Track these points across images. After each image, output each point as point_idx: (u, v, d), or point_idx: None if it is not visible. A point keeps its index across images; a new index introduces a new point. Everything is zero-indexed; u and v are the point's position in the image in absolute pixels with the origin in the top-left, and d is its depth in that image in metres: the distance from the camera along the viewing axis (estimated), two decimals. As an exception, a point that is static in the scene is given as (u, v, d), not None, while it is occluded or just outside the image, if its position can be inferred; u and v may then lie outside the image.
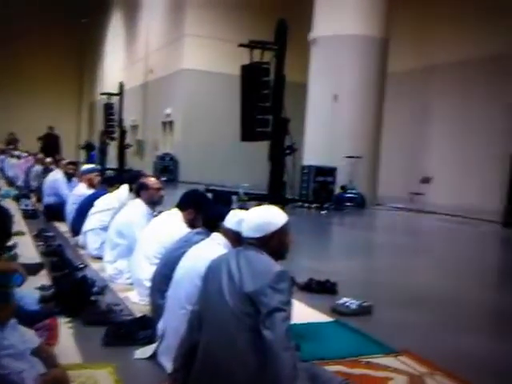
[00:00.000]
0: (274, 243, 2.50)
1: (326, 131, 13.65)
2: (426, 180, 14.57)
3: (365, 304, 4.17)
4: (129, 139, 23.32)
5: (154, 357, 3.01)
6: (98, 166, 8.79)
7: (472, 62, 14.98)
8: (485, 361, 3.45)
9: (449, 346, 3.65)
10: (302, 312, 3.93)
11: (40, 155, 13.71)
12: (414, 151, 17.07)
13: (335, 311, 4.11)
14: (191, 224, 3.88)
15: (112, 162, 23.01)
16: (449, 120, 16.09)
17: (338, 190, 13.32)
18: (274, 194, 12.33)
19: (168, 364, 2.83)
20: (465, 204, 13.62)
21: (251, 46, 12.88)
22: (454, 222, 11.86)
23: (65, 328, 3.39)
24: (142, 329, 3.29)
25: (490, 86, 14.30)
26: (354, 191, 13.25)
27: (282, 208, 2.64)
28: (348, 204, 13.09)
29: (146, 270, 3.95)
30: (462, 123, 15.56)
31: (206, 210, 3.52)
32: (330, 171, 13.24)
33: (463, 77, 15.47)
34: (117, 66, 30.59)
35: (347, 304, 4.13)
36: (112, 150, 23.93)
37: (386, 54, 14.00)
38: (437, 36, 16.29)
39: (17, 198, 9.99)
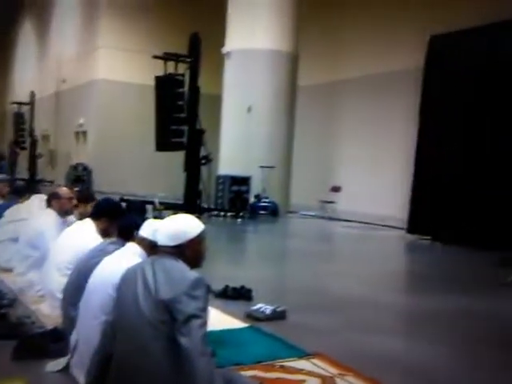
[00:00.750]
0: (189, 251, 2.52)
1: (240, 142, 13.86)
2: (335, 189, 15.07)
3: (279, 309, 4.27)
4: (40, 149, 22.59)
5: (66, 369, 2.95)
6: (7, 176, 8.42)
7: (379, 76, 15.73)
8: (395, 360, 3.63)
9: (360, 347, 3.81)
10: (218, 319, 3.97)
11: None
12: (325, 161, 17.67)
13: (250, 317, 4.18)
14: (105, 233, 3.83)
15: (23, 172, 22.17)
16: (357, 131, 16.80)
17: (252, 199, 13.52)
18: (190, 204, 12.33)
19: (81, 376, 2.79)
20: (373, 211, 14.22)
21: (165, 57, 12.93)
22: (363, 229, 12.36)
23: (-28, 344, 3.26)
24: (53, 341, 3.21)
25: (397, 100, 15.05)
26: (267, 200, 13.50)
27: (198, 217, 2.68)
28: (262, 212, 13.31)
29: (57, 281, 3.86)
30: (369, 134, 16.28)
31: (120, 220, 3.49)
32: (245, 181, 13.42)
33: (371, 90, 16.21)
34: (28, 74, 29.59)
35: (262, 309, 4.21)
36: (23, 159, 23.07)
37: (297, 67, 14.48)
38: (345, 51, 17.03)
39: None
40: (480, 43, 9.89)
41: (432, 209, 10.30)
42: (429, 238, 10.30)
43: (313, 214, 14.60)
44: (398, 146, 14.47)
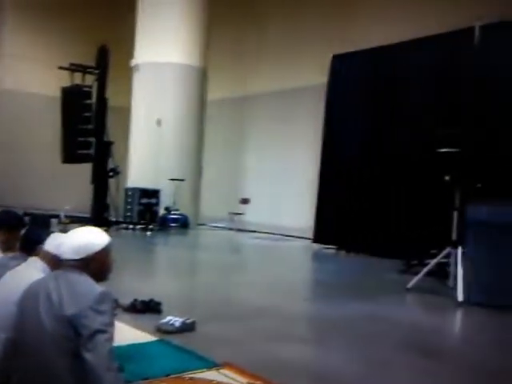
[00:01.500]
0: (95, 265, 2.49)
1: (149, 154, 13.77)
2: (244, 201, 15.25)
3: (188, 321, 4.27)
4: None
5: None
6: None
7: (287, 92, 16.19)
8: (304, 367, 3.72)
9: (269, 355, 3.86)
10: (127, 333, 3.92)
11: None
12: (235, 173, 17.89)
13: (160, 330, 4.15)
14: (5, 246, 3.67)
15: None
16: (265, 144, 17.17)
17: (162, 212, 13.41)
18: (98, 217, 12.06)
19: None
20: (281, 222, 14.53)
21: (71, 68, 12.66)
22: (271, 240, 12.59)
23: None
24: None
25: (303, 115, 15.52)
26: (177, 212, 13.44)
27: (106, 230, 2.65)
28: (172, 225, 13.24)
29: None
30: (277, 147, 16.68)
31: (22, 232, 3.38)
32: (154, 193, 13.31)
33: (279, 105, 16.64)
34: None
35: (171, 322, 4.20)
36: None
37: (206, 81, 14.61)
38: (254, 67, 17.42)
39: None
40: (376, 62, 10.57)
41: (336, 219, 10.73)
42: (334, 247, 10.66)
43: (223, 225, 14.70)
44: (305, 159, 14.88)
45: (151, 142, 13.79)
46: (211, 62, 14.84)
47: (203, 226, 14.54)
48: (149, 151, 13.82)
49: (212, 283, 6.78)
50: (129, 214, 13.28)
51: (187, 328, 4.23)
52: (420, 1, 13.00)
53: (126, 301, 4.75)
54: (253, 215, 15.20)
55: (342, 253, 10.41)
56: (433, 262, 6.78)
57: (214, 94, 15.83)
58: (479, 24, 8.71)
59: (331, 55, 11.42)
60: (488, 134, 8.40)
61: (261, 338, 4.31)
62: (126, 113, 14.61)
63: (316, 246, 11.04)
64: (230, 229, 14.24)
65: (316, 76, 13.14)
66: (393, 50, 10.29)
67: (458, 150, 6.69)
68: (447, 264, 6.82)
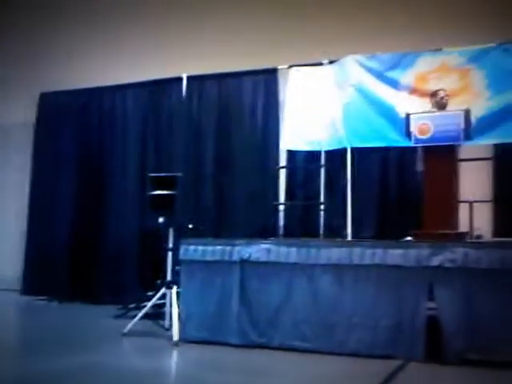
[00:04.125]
0: None
1: None
2: None
3: None
4: None
5: None
6: None
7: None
8: None
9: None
10: None
11: None
12: None
13: None
14: None
15: None
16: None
17: None
18: None
19: None
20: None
21: None
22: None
23: None
24: None
25: (11, 154, 14.38)
26: None
27: None
28: None
29: None
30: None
31: None
32: None
33: None
34: None
35: None
36: None
37: None
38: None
39: None
40: (85, 103, 10.58)
41: (47, 268, 10.20)
42: (45, 298, 10.02)
43: None
44: (13, 203, 13.77)
45: None
46: None
47: None
48: None
49: None
50: None
51: None
52: (133, 45, 13.23)
53: None
54: None
55: (55, 303, 9.80)
56: (149, 304, 6.80)
57: None
58: (186, 74, 9.42)
59: (39, 93, 11.03)
60: (200, 178, 9.08)
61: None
62: None
63: (26, 297, 10.21)
64: None
65: (26, 114, 12.47)
66: (102, 92, 10.39)
67: (169, 192, 6.89)
68: (164, 305, 6.89)
